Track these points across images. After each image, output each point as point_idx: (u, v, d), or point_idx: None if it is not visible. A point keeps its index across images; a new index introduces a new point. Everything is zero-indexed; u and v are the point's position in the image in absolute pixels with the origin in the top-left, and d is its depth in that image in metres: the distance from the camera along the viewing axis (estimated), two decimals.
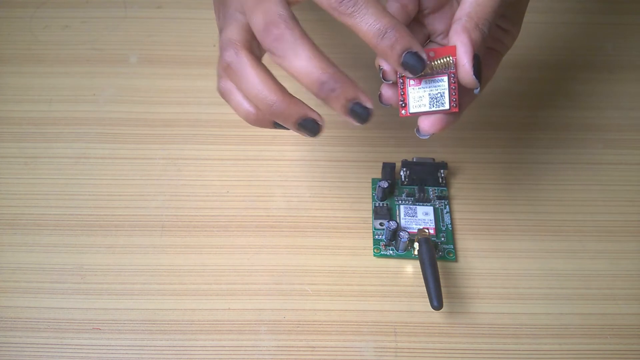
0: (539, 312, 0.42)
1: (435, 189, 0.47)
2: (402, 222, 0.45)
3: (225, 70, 0.33)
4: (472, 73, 0.31)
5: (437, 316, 0.41)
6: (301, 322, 0.41)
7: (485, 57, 0.34)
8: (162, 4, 0.60)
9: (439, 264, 0.42)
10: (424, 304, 0.41)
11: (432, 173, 0.47)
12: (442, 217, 0.45)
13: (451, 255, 0.44)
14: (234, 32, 0.33)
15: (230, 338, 0.40)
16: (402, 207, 0.46)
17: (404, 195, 0.46)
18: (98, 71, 0.55)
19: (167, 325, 0.41)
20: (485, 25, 0.32)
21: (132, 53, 0.56)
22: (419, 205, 0.46)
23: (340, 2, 0.28)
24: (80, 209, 0.46)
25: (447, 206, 0.46)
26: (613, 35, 0.58)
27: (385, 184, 0.45)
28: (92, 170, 0.48)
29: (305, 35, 0.30)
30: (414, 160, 0.47)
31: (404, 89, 0.32)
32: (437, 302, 0.39)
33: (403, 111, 0.32)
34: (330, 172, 0.48)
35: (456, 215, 0.46)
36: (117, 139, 0.50)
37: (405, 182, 0.47)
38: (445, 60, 0.30)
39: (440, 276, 0.40)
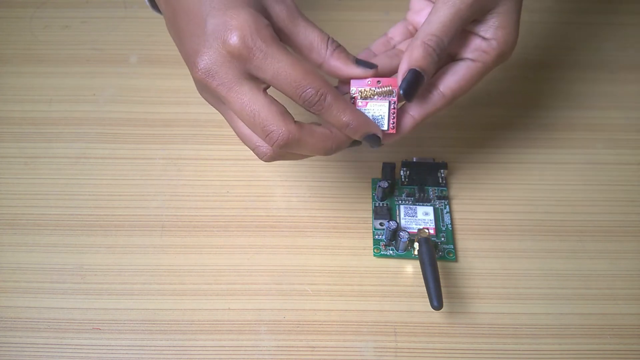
0: (539, 312, 0.42)
1: (435, 189, 0.47)
2: (402, 222, 0.45)
3: (283, 148, 0.34)
4: (400, 88, 0.36)
5: (437, 316, 0.41)
6: (301, 322, 0.41)
7: (455, 68, 0.38)
8: None
9: (439, 264, 0.42)
10: (424, 304, 0.41)
11: (432, 173, 0.47)
12: (442, 217, 0.45)
13: (451, 255, 0.44)
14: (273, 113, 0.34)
15: (230, 338, 0.40)
16: (402, 207, 0.46)
17: (404, 195, 0.46)
18: (98, 71, 0.55)
19: (167, 325, 0.41)
20: (432, 40, 0.36)
21: (132, 53, 0.56)
22: (419, 205, 0.46)
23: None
24: (80, 209, 0.46)
25: (447, 206, 0.46)
26: (613, 35, 0.58)
27: (385, 184, 0.45)
28: (92, 170, 0.48)
29: (337, 95, 0.34)
30: (414, 160, 0.47)
31: None
32: (437, 302, 0.39)
33: None
34: (330, 172, 0.48)
35: (456, 215, 0.46)
36: (117, 139, 0.50)
37: (405, 182, 0.47)
38: (387, 89, 0.36)
39: (440, 276, 0.40)
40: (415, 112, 0.38)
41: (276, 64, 0.32)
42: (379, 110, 0.36)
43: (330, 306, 0.42)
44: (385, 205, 0.46)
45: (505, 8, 0.38)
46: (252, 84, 0.33)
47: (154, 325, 0.41)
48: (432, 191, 0.47)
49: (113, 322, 0.41)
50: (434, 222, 0.45)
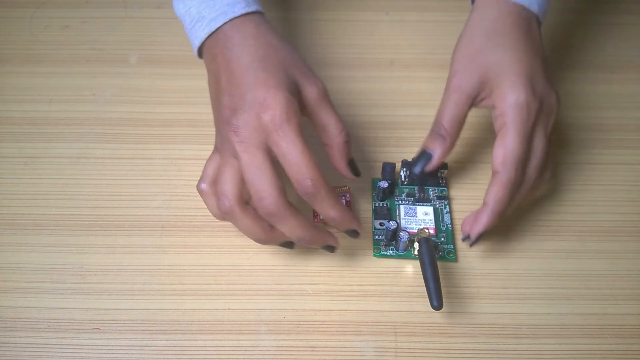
0: (539, 312, 0.42)
1: (435, 189, 0.47)
2: (402, 222, 0.45)
3: (268, 216, 0.38)
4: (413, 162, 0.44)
5: (437, 316, 0.41)
6: (301, 322, 0.41)
7: (495, 145, 0.42)
8: (162, 4, 0.60)
9: (439, 264, 0.42)
10: (424, 304, 0.41)
11: (432, 173, 0.47)
12: (442, 217, 0.45)
13: (451, 255, 0.44)
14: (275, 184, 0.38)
15: (230, 338, 0.40)
16: (402, 207, 0.46)
17: (404, 195, 0.46)
18: (98, 71, 0.55)
19: (167, 325, 0.41)
20: (438, 126, 0.43)
21: (132, 53, 0.56)
22: (419, 205, 0.46)
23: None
24: (80, 209, 0.46)
25: (447, 206, 0.46)
26: (613, 35, 0.58)
27: (385, 184, 0.45)
28: (92, 170, 0.48)
29: (330, 192, 0.38)
30: (414, 160, 0.47)
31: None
32: (437, 302, 0.38)
33: (316, 219, 0.45)
34: (330, 171, 0.48)
35: (456, 215, 0.46)
36: (117, 139, 0.50)
37: (405, 182, 0.47)
38: (344, 189, 0.45)
39: (440, 276, 0.40)
40: (488, 200, 0.41)
41: (290, 147, 0.37)
42: None
43: (330, 306, 0.42)
44: (385, 205, 0.46)
45: (493, 71, 0.42)
46: (265, 154, 0.37)
47: (154, 325, 0.41)
48: (432, 191, 0.47)
49: (113, 322, 0.41)
50: (434, 222, 0.45)
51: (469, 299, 0.42)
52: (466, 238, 0.42)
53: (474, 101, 0.43)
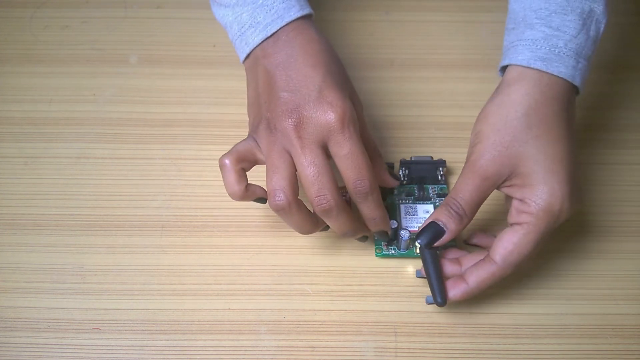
0: (539, 312, 0.42)
1: (435, 187, 0.47)
2: (403, 221, 0.45)
3: (324, 213, 0.39)
4: (417, 234, 0.41)
5: (437, 316, 0.41)
6: (301, 322, 0.41)
7: (502, 234, 0.40)
8: (162, 4, 0.60)
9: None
10: (424, 304, 0.41)
11: (431, 171, 0.47)
12: None
13: None
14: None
15: (230, 338, 0.40)
16: (402, 206, 0.46)
17: (403, 194, 0.46)
18: (98, 71, 0.55)
19: (167, 325, 0.41)
20: (452, 202, 0.40)
21: (132, 53, 0.56)
22: (419, 203, 0.46)
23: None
24: (80, 209, 0.46)
25: None
26: (613, 35, 0.58)
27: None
28: (92, 170, 0.48)
29: (379, 196, 0.40)
30: (412, 159, 0.47)
31: None
32: (440, 298, 0.39)
33: None
34: None
35: None
36: (117, 139, 0.50)
37: (405, 182, 0.47)
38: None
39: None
40: (470, 279, 0.39)
41: (354, 148, 0.38)
42: None
43: (331, 306, 0.42)
44: (385, 205, 0.46)
45: (527, 167, 0.38)
46: (325, 152, 0.38)
47: (154, 325, 0.41)
48: (431, 189, 0.47)
49: (113, 322, 0.41)
50: None
51: (469, 299, 0.42)
52: (431, 302, 0.40)
53: (499, 187, 0.40)
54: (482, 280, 0.39)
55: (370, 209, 0.40)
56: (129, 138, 0.50)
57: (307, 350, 0.40)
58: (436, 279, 0.39)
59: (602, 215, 0.46)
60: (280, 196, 0.38)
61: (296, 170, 0.38)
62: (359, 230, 0.41)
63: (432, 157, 0.47)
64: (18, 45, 0.57)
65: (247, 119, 0.51)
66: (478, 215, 0.41)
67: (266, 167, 0.39)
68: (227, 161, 0.39)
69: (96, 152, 0.49)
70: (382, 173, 0.44)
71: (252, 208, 0.46)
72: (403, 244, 0.43)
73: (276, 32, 0.40)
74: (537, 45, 0.39)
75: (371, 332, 0.41)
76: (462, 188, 0.39)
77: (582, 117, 0.52)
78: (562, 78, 0.39)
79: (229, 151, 0.40)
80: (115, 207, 0.46)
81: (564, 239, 0.45)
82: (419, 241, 0.40)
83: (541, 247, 0.39)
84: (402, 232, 0.42)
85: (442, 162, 0.47)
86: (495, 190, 0.40)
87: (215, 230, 0.45)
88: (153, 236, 0.45)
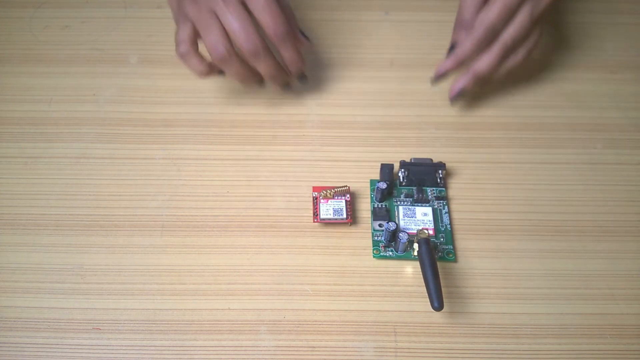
0: (539, 312, 0.42)
1: (433, 190, 0.47)
2: (401, 223, 0.45)
3: (252, 56, 0.46)
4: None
5: (437, 316, 0.41)
6: (301, 322, 0.41)
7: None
8: (162, 4, 0.60)
9: (439, 264, 0.42)
10: (424, 304, 0.41)
11: (430, 173, 0.47)
12: (441, 218, 0.45)
13: (450, 255, 0.44)
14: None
15: (230, 338, 0.40)
16: (400, 208, 0.46)
17: (402, 196, 0.46)
18: (98, 71, 0.55)
19: (167, 325, 0.41)
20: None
21: (132, 53, 0.56)
22: (417, 206, 0.46)
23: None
24: (80, 209, 0.46)
25: (446, 206, 0.46)
26: (613, 35, 0.58)
27: (383, 185, 0.45)
28: (92, 170, 0.48)
29: (295, 41, 0.48)
30: (412, 160, 0.47)
31: (317, 205, 0.45)
32: (437, 302, 0.38)
33: (315, 219, 0.45)
34: (329, 172, 0.48)
35: (455, 216, 0.46)
36: (117, 139, 0.50)
37: (404, 183, 0.47)
38: (344, 189, 0.45)
39: (440, 276, 0.40)
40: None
41: (268, 1, 0.44)
42: (338, 205, 0.45)
43: (330, 306, 0.42)
44: (384, 206, 0.46)
45: None
46: (242, 5, 0.44)
47: (154, 325, 0.41)
48: (430, 192, 0.47)
49: (113, 322, 0.41)
50: (432, 222, 0.45)
51: (469, 299, 0.42)
52: (437, 79, 0.50)
53: None
54: (465, 46, 0.48)
55: (289, 52, 0.46)
56: (129, 138, 0.50)
57: (307, 350, 0.40)
58: (433, 283, 0.39)
59: (602, 215, 0.46)
60: (220, 47, 0.44)
61: None
62: (283, 73, 0.48)
63: (431, 159, 0.47)
64: (18, 45, 0.57)
65: (247, 118, 0.51)
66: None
67: (200, 30, 0.45)
68: (185, 49, 0.46)
69: (96, 152, 0.49)
70: (296, 32, 0.48)
71: (252, 208, 0.46)
72: (401, 246, 0.43)
73: None
74: None
75: (371, 332, 0.41)
76: (461, 6, 0.49)
77: (582, 117, 0.52)
78: None
79: (179, 42, 0.46)
80: (115, 207, 0.46)
81: (564, 239, 0.45)
82: (443, 67, 0.49)
83: (516, 16, 0.47)
84: (400, 234, 0.42)
85: (441, 165, 0.47)
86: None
87: (215, 230, 0.45)
88: (153, 236, 0.45)
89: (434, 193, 0.47)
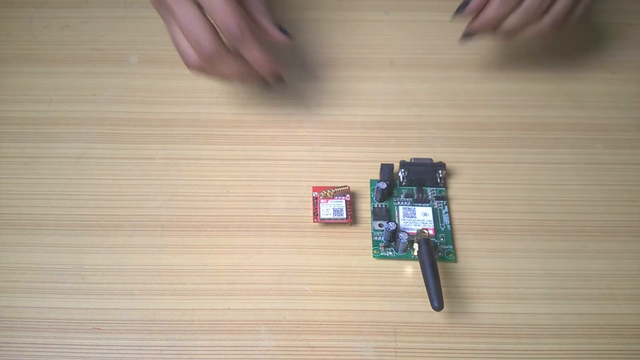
0: (539, 312, 0.42)
1: (433, 190, 0.47)
2: (401, 223, 0.45)
3: (207, 60, 0.43)
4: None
5: (437, 316, 0.41)
6: (301, 322, 0.41)
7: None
8: None
9: (439, 264, 0.42)
10: (424, 304, 0.41)
11: (430, 173, 0.47)
12: (441, 218, 0.45)
13: (451, 255, 0.44)
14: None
15: (230, 338, 0.40)
16: (400, 207, 0.46)
17: (402, 196, 0.46)
18: (98, 71, 0.55)
19: (167, 325, 0.41)
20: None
21: (132, 53, 0.56)
22: (417, 206, 0.46)
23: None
24: (80, 209, 0.46)
25: (446, 206, 0.46)
26: (613, 35, 0.58)
27: (383, 185, 0.45)
28: (92, 170, 0.48)
29: (254, 37, 0.42)
30: (412, 160, 0.47)
31: (316, 205, 0.45)
32: (437, 303, 0.39)
33: (315, 218, 0.45)
34: (329, 172, 0.48)
35: (455, 216, 0.46)
36: (117, 139, 0.50)
37: (404, 183, 0.47)
38: (344, 189, 0.45)
39: (440, 277, 0.40)
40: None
41: None
42: (338, 205, 0.45)
43: (330, 306, 0.42)
44: (384, 206, 0.46)
45: None
46: (195, 5, 0.41)
47: (154, 325, 0.41)
48: (430, 192, 0.47)
49: (113, 322, 0.41)
50: (432, 222, 0.45)
51: (469, 299, 0.42)
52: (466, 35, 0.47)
53: None
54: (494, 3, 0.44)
55: (250, 52, 0.42)
56: (129, 138, 0.50)
57: (307, 350, 0.40)
58: (433, 283, 0.39)
59: (602, 215, 0.46)
60: (204, 45, 0.41)
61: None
62: (249, 72, 0.44)
63: (432, 159, 0.47)
64: (18, 45, 0.57)
65: (247, 118, 0.51)
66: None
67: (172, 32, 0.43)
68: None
69: (96, 152, 0.49)
70: (269, 28, 0.45)
71: (252, 208, 0.46)
72: (401, 246, 0.43)
73: None
74: None
75: (371, 332, 0.41)
76: None
77: (582, 116, 0.52)
78: None
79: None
80: (115, 207, 0.46)
81: (564, 239, 0.45)
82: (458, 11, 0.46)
83: None
84: (400, 234, 0.42)
85: (441, 165, 0.47)
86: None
87: (215, 230, 0.45)
88: (153, 236, 0.45)
89: (434, 193, 0.47)
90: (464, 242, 0.45)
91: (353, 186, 0.47)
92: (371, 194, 0.47)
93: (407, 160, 0.47)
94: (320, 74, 0.54)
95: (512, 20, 0.45)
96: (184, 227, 0.45)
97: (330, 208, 0.44)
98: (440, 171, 0.46)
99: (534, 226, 0.46)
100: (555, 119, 0.52)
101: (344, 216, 0.45)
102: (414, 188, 0.47)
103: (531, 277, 0.43)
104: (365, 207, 0.46)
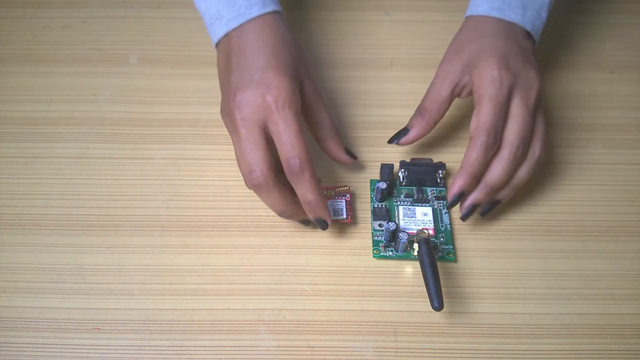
0: (539, 312, 0.42)
1: (433, 190, 0.47)
2: (401, 223, 0.45)
3: (254, 188, 0.41)
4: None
5: (437, 316, 0.41)
6: (301, 322, 0.41)
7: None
8: (162, 4, 0.60)
9: (439, 264, 0.42)
10: (424, 304, 0.41)
11: (430, 173, 0.47)
12: (441, 218, 0.45)
13: (450, 255, 0.44)
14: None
15: (230, 338, 0.40)
16: (400, 208, 0.46)
17: (402, 196, 0.46)
18: (98, 71, 0.55)
19: (167, 325, 0.41)
20: (422, 108, 0.47)
21: (132, 53, 0.56)
22: (417, 206, 0.46)
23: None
24: (80, 209, 0.46)
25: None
26: (613, 35, 0.58)
27: (383, 185, 0.45)
28: (93, 170, 0.48)
29: (313, 177, 0.41)
30: (412, 160, 0.47)
31: None
32: (437, 302, 0.38)
33: None
34: (329, 173, 0.48)
35: (455, 216, 0.46)
36: (117, 139, 0.50)
37: (404, 183, 0.47)
38: (343, 189, 0.46)
39: (440, 276, 0.40)
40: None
41: (287, 126, 0.40)
42: (338, 205, 0.45)
43: (330, 306, 0.42)
44: (384, 206, 0.46)
45: (473, 58, 0.44)
46: (262, 131, 0.41)
47: (154, 325, 0.41)
48: (430, 192, 0.47)
49: (113, 322, 0.41)
50: (432, 222, 0.45)
51: (469, 299, 0.42)
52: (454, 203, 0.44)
53: (457, 86, 0.45)
54: (471, 158, 0.42)
55: (303, 190, 0.41)
56: (129, 138, 0.50)
57: (307, 350, 0.40)
58: (433, 283, 0.39)
59: (601, 215, 0.46)
60: (255, 174, 0.40)
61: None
62: (295, 212, 0.42)
63: (431, 159, 0.47)
64: (18, 45, 0.57)
65: None
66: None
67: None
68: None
69: (96, 152, 0.49)
70: (336, 150, 0.45)
71: (252, 208, 0.46)
72: (401, 246, 0.43)
73: (240, 25, 0.43)
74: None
75: (371, 332, 0.41)
76: (426, 94, 0.46)
77: (582, 116, 0.52)
78: (514, 23, 0.45)
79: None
80: (115, 207, 0.46)
81: (564, 239, 0.45)
82: (390, 141, 0.46)
83: (510, 110, 0.43)
84: (400, 234, 0.42)
85: (441, 165, 0.47)
86: None
87: (215, 230, 0.45)
88: (153, 236, 0.45)
89: (434, 193, 0.47)
90: (464, 242, 0.45)
91: (353, 186, 0.47)
92: (371, 194, 0.47)
93: (407, 160, 0.47)
94: (320, 74, 0.54)
95: (479, 195, 0.43)
96: (184, 227, 0.45)
97: (330, 208, 0.44)
98: (440, 171, 0.46)
99: (534, 226, 0.46)
100: (556, 119, 0.52)
101: (344, 216, 0.45)
102: (414, 188, 0.47)
103: (531, 277, 0.43)
104: (365, 207, 0.46)
